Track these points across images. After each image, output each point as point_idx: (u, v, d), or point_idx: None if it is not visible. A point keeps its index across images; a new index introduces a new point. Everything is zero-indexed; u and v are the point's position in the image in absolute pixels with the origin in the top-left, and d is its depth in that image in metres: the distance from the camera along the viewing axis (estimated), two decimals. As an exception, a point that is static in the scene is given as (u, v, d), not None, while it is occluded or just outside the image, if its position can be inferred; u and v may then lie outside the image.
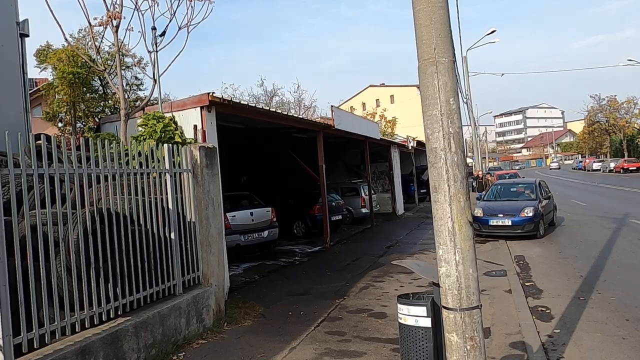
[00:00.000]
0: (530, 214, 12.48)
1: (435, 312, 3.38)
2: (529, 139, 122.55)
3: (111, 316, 5.00)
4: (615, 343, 5.36)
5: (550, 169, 67.79)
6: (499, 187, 15.85)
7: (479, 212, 13.03)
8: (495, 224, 12.81)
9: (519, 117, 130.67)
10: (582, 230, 13.54)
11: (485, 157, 57.26)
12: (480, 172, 25.51)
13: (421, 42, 3.29)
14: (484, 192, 16.53)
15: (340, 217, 16.49)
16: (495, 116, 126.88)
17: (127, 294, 5.23)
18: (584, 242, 11.63)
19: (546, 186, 15.56)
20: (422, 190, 26.82)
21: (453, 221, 3.17)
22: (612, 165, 48.05)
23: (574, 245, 11.38)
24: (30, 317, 4.14)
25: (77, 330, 4.59)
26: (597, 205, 19.41)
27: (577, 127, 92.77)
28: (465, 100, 29.24)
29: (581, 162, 65.85)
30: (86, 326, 4.69)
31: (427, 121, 3.28)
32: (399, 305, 3.59)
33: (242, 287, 8.99)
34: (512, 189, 15.24)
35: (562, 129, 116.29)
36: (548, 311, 6.68)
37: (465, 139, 47.05)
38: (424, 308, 3.42)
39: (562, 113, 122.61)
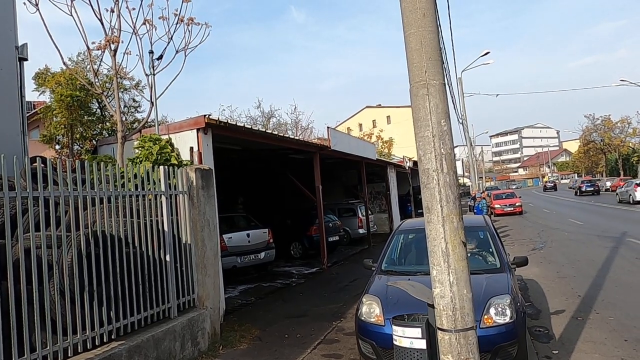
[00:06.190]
0: (506, 318, 4.65)
1: (431, 334, 3.36)
2: (525, 158, 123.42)
3: (105, 340, 4.94)
4: (614, 364, 5.32)
5: (545, 190, 64.43)
6: (411, 234, 6.93)
7: (373, 312, 5.00)
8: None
9: (515, 136, 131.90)
10: (579, 249, 13.51)
11: (482, 177, 57.43)
12: (476, 191, 25.22)
13: (412, 65, 3.35)
14: (384, 248, 6.73)
15: (337, 237, 16.41)
16: (491, 136, 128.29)
17: (121, 317, 5.18)
18: (582, 261, 11.60)
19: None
20: (419, 211, 26.85)
21: (446, 242, 3.19)
22: (609, 184, 48.23)
23: (572, 264, 11.34)
24: (22, 342, 4.09)
25: (69, 354, 4.52)
26: (594, 224, 19.41)
27: (573, 146, 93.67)
28: (460, 120, 29.53)
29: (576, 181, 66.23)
30: (79, 351, 4.63)
31: (419, 142, 3.32)
32: (393, 327, 3.58)
33: (239, 310, 8.91)
34: None
35: (557, 148, 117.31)
36: (546, 331, 6.62)
37: (462, 159, 47.27)
38: (419, 330, 3.40)
39: (558, 133, 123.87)
